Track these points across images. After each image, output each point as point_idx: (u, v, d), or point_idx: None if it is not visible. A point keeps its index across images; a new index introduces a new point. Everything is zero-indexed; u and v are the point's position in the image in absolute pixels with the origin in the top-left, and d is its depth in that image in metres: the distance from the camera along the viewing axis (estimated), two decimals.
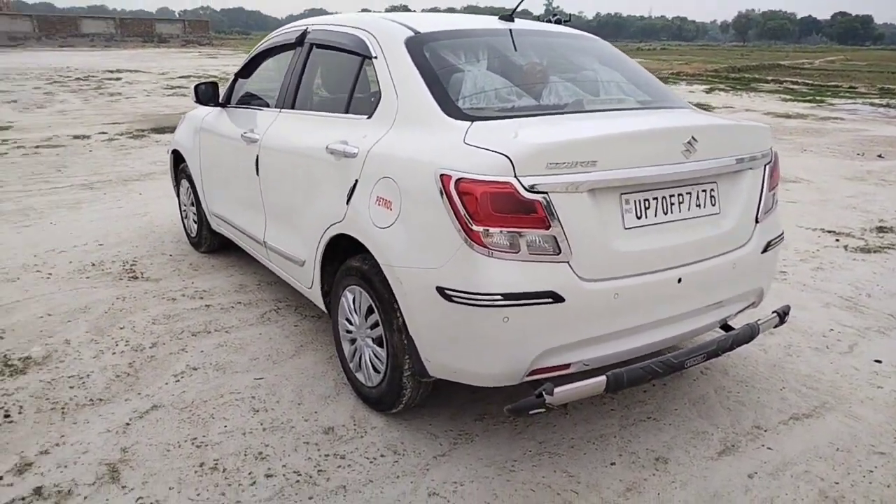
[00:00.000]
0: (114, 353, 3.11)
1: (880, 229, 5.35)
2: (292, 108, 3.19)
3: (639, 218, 2.24)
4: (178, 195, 4.75)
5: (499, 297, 2.03)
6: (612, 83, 2.88)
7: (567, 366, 2.21)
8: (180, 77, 19.74)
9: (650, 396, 2.80)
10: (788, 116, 13.02)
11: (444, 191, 2.08)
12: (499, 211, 2.02)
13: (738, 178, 2.51)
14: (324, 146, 2.68)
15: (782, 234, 2.74)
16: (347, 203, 2.51)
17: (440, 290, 2.12)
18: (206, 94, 3.85)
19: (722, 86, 19.97)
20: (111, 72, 21.39)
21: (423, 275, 2.17)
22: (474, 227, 2.03)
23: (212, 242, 4.39)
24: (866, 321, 3.56)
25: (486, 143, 2.09)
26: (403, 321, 2.31)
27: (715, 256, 2.43)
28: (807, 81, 22.46)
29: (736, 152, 2.46)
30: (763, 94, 17.94)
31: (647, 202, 2.26)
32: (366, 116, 2.62)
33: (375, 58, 2.66)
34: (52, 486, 2.19)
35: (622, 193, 2.20)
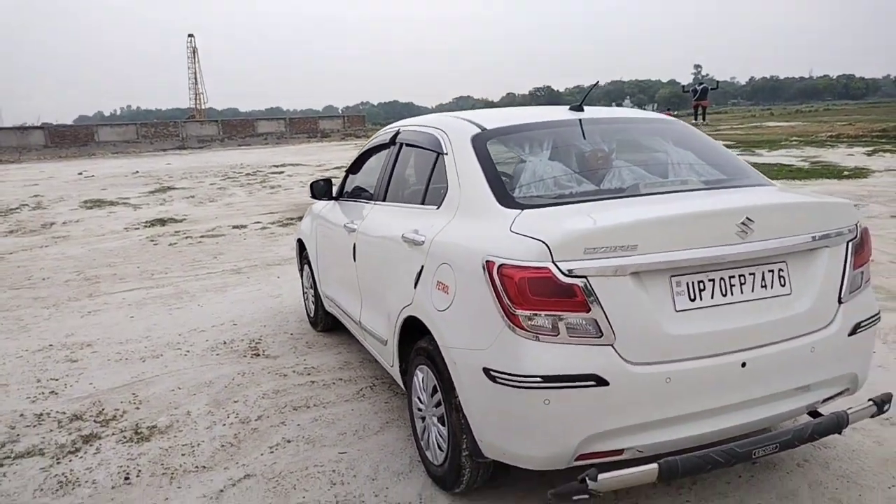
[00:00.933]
0: (224, 425, 3.46)
1: None
2: (384, 200, 3.50)
3: (692, 300, 2.19)
4: (302, 278, 5.24)
5: (538, 379, 2.07)
6: (682, 164, 2.87)
7: (620, 451, 2.16)
8: (334, 168, 21.63)
9: (733, 488, 2.60)
10: None
11: (489, 276, 2.19)
12: (537, 295, 2.08)
13: (814, 257, 2.37)
14: (400, 234, 2.92)
15: (877, 314, 2.50)
16: (415, 287, 2.69)
17: (486, 371, 2.19)
18: (321, 189, 4.32)
19: (889, 147, 18.20)
20: (276, 166, 23.95)
21: (473, 356, 2.27)
22: (515, 311, 2.11)
23: (326, 322, 4.76)
24: None
25: (528, 231, 2.20)
26: (460, 401, 2.40)
27: (787, 339, 2.28)
28: None
29: (809, 230, 2.34)
30: None
31: (701, 284, 2.21)
32: (435, 207, 2.83)
33: (446, 154, 2.89)
34: None
35: (672, 276, 2.17)
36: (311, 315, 4.96)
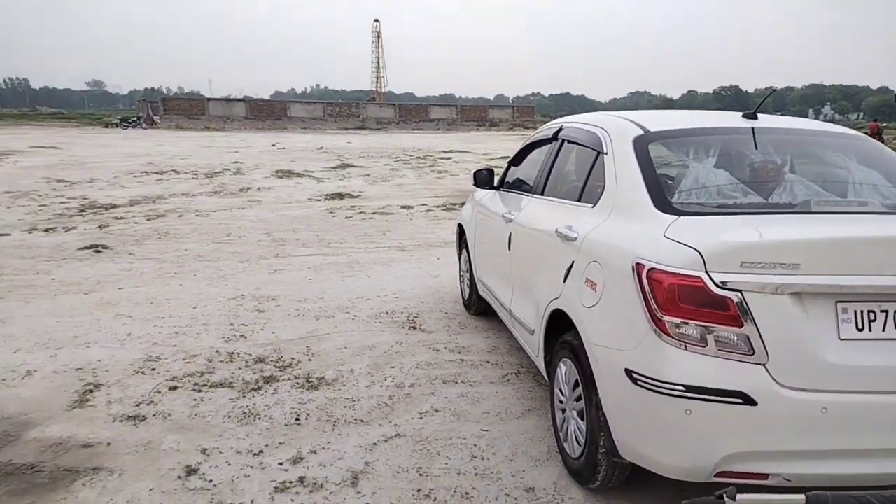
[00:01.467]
0: (381, 386, 3.81)
1: None
2: (542, 194, 3.63)
3: (860, 330, 2.10)
4: (459, 262, 5.52)
5: (681, 387, 2.10)
6: (865, 184, 2.69)
7: (765, 476, 2.14)
8: (499, 157, 22.00)
9: None
10: None
11: (637, 278, 2.25)
12: (687, 303, 2.11)
13: None
14: (554, 229, 3.03)
15: None
16: (564, 281, 2.80)
17: (628, 373, 2.26)
18: (483, 178, 4.54)
19: None
20: (445, 152, 24.85)
21: (615, 355, 2.34)
22: (662, 317, 2.16)
23: (479, 305, 5.00)
24: None
25: (683, 238, 2.22)
26: (600, 398, 2.48)
27: None
28: None
29: None
30: None
31: (872, 314, 2.10)
32: (591, 205, 2.91)
33: (606, 153, 2.94)
34: (311, 479, 2.85)
35: (838, 301, 2.09)
36: (466, 298, 5.23)
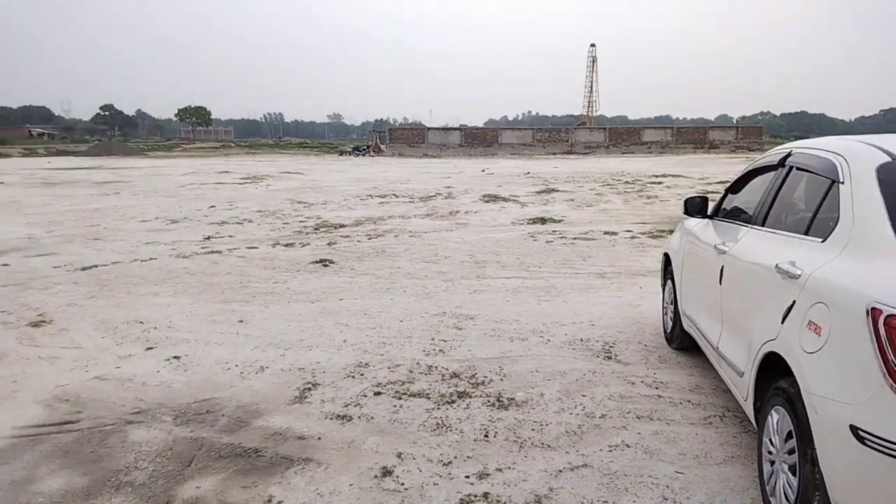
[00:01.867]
0: (570, 414, 3.76)
1: None
2: (762, 225, 3.32)
3: None
4: (664, 293, 5.25)
5: None
6: None
7: None
8: (717, 182, 20.54)
9: None
10: None
11: (872, 324, 1.97)
12: None
13: None
14: (774, 264, 2.76)
15: None
16: (782, 322, 2.54)
17: (854, 429, 1.98)
18: (695, 206, 4.28)
19: None
20: (656, 176, 23.82)
21: (839, 408, 2.07)
22: None
23: (682, 340, 4.70)
24: None
25: None
26: (817, 454, 2.20)
27: None
28: None
29: None
30: None
31: None
32: (820, 240, 2.60)
33: (842, 182, 2.62)
34: (495, 496, 2.89)
35: None
36: (668, 331, 4.95)
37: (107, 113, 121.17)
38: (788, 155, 3.36)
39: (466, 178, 23.50)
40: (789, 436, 2.44)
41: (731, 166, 30.49)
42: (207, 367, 4.60)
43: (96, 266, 8.22)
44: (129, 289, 7.01)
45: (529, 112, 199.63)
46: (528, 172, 26.67)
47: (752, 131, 56.80)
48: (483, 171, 27.94)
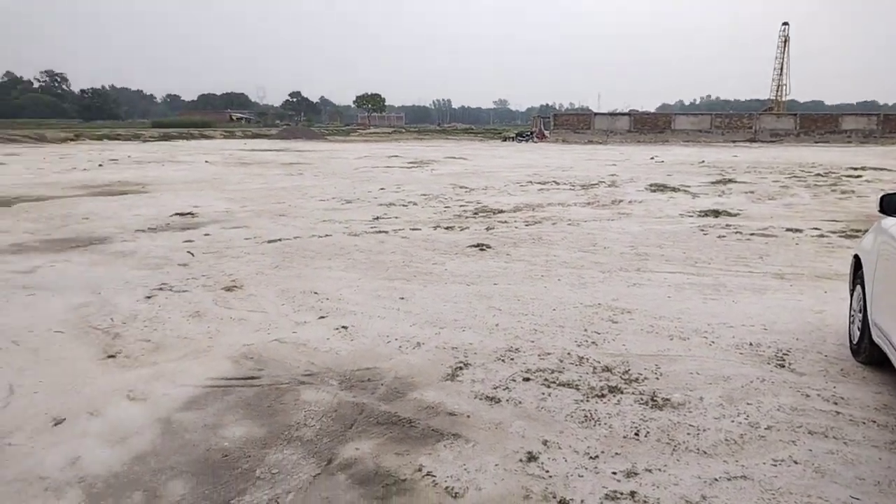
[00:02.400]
0: (731, 421, 3.53)
1: None
2: None
3: None
4: (851, 299, 4.71)
5: None
6: None
7: None
8: None
9: None
10: None
11: None
12: None
13: None
14: None
15: None
16: None
17: None
18: (892, 203, 3.78)
19: None
20: (854, 168, 21.25)
21: None
22: None
23: (871, 353, 4.20)
24: None
25: None
26: None
27: None
28: None
29: None
30: None
31: None
32: None
33: None
34: (643, 496, 2.82)
35: None
36: (854, 342, 4.44)
37: (294, 99, 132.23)
38: None
39: (633, 166, 22.59)
40: None
41: None
42: (370, 339, 4.92)
43: (280, 240, 9.06)
44: (307, 262, 7.65)
45: (708, 96, 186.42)
46: (703, 161, 25.01)
47: None
48: (652, 158, 26.66)
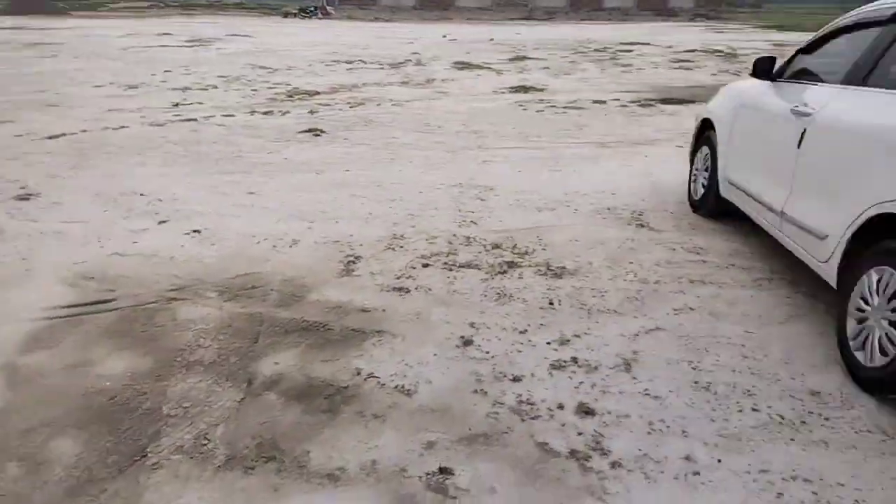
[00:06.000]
0: (624, 280, 3.80)
1: None
2: (861, 84, 3.17)
3: None
4: (692, 161, 5.22)
5: None
6: None
7: None
8: (686, 51, 20.20)
9: None
10: None
11: None
12: None
13: None
14: (892, 126, 2.70)
15: None
16: None
17: None
18: (762, 67, 4.10)
19: None
20: (624, 44, 23.22)
21: None
22: None
23: (713, 208, 4.73)
24: None
25: None
26: None
27: None
28: None
29: None
30: None
31: None
32: None
33: None
34: (584, 360, 2.95)
35: None
36: (697, 198, 4.97)
37: None
38: None
39: (429, 44, 22.37)
40: (894, 295, 2.51)
41: (695, 35, 29.99)
42: (235, 241, 4.41)
43: (64, 135, 7.60)
44: (113, 159, 6.55)
45: None
46: (493, 39, 25.55)
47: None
48: (444, 36, 26.60)
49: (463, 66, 15.50)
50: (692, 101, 9.88)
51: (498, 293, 3.64)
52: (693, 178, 5.12)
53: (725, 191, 4.43)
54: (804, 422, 2.50)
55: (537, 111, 9.61)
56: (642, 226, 4.74)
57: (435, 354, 3.01)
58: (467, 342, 3.11)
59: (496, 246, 4.32)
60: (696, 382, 2.77)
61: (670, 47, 21.98)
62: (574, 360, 2.95)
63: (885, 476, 2.22)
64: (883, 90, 3.02)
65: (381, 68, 14.82)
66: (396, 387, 2.77)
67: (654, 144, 7.48)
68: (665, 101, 10.37)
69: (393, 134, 7.88)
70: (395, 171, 6.18)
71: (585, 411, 2.57)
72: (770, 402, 2.63)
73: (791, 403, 2.62)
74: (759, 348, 3.05)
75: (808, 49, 3.94)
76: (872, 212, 2.65)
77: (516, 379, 2.81)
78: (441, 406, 2.63)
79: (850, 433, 2.44)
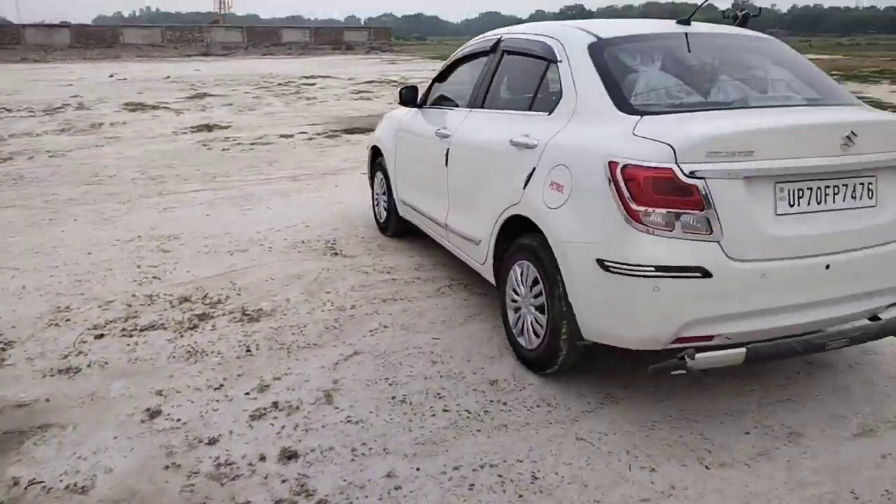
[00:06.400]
0: (322, 311, 3.83)
1: None
2: (482, 107, 3.68)
3: (791, 206, 2.44)
4: (372, 186, 5.51)
5: (651, 268, 2.36)
6: (781, 81, 3.04)
7: (710, 337, 2.47)
8: (365, 82, 21.49)
9: (792, 382, 2.94)
10: None
11: (611, 176, 2.44)
12: (659, 193, 2.34)
13: None
14: (507, 139, 3.14)
15: None
16: (524, 188, 2.95)
17: (600, 262, 2.48)
18: (408, 96, 4.50)
19: None
20: (306, 77, 23.79)
21: (586, 248, 2.55)
22: (634, 207, 2.37)
23: (397, 228, 5.06)
24: None
25: (652, 134, 2.43)
26: (564, 290, 2.70)
27: (868, 247, 2.54)
28: None
29: None
30: None
31: (800, 191, 2.45)
32: (546, 113, 3.04)
33: (560, 61, 3.06)
34: (285, 402, 2.88)
35: (777, 182, 2.41)
36: (382, 221, 5.26)
37: None
38: (499, 41, 3.74)
39: (94, 85, 20.16)
40: (535, 282, 2.93)
41: (372, 66, 32.06)
42: None
43: None
44: None
45: (148, 8, 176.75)
46: (168, 76, 24.07)
47: (383, 32, 59.93)
48: (112, 76, 24.25)
49: (136, 107, 14.31)
50: (372, 130, 10.48)
51: (188, 352, 3.37)
52: (375, 202, 5.41)
53: (403, 211, 4.77)
54: (487, 411, 2.78)
55: (223, 150, 9.29)
56: (336, 254, 4.85)
57: (115, 437, 2.66)
58: (154, 414, 2.81)
59: (184, 299, 4.02)
60: (393, 398, 2.89)
61: (351, 79, 23.18)
62: (275, 404, 2.86)
63: (552, 443, 2.56)
64: (496, 110, 3.55)
65: (33, 115, 12.91)
66: (68, 487, 2.38)
67: (343, 173, 7.76)
68: (349, 132, 10.85)
69: (53, 190, 6.88)
70: (58, 233, 5.39)
71: (289, 456, 2.50)
72: (458, 399, 2.87)
73: (475, 397, 2.89)
74: (446, 351, 3.31)
75: (441, 78, 4.46)
76: (506, 215, 3.08)
77: (213, 441, 2.62)
78: (125, 495, 2.32)
79: (524, 411, 2.78)
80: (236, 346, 3.41)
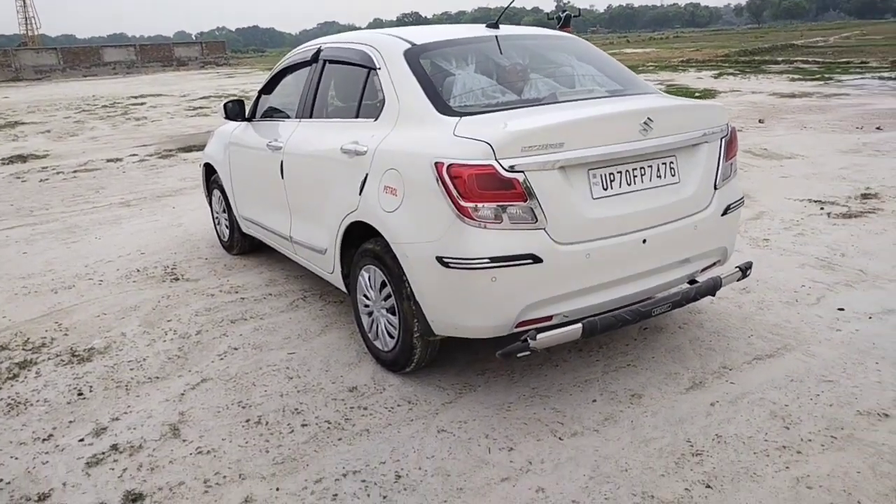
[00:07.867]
0: (164, 341, 3.57)
1: (864, 196, 5.64)
2: (310, 117, 3.62)
3: (605, 189, 2.62)
4: (210, 204, 5.23)
5: (486, 260, 2.43)
6: (586, 76, 3.26)
7: (550, 317, 2.60)
8: (201, 98, 20.45)
9: (631, 348, 3.17)
10: (793, 96, 13.18)
11: (438, 176, 2.48)
12: (484, 189, 2.42)
13: (696, 151, 2.87)
14: (338, 147, 3.10)
15: (741, 198, 3.09)
16: (360, 194, 2.93)
17: (439, 259, 2.52)
18: (234, 110, 4.31)
19: (731, 70, 20.10)
20: (135, 97, 22.21)
21: (425, 247, 2.58)
22: (463, 204, 2.44)
23: (243, 245, 4.84)
24: (836, 276, 3.89)
25: (471, 134, 2.50)
26: (411, 290, 2.72)
27: (677, 220, 2.79)
28: (818, 60, 22.46)
29: (691, 129, 2.83)
30: (772, 75, 18.04)
31: (611, 175, 2.64)
32: (373, 119, 3.04)
33: (379, 69, 3.07)
34: (126, 443, 2.64)
35: (589, 169, 2.58)
36: (226, 239, 5.01)
37: None
38: (319, 51, 3.69)
39: None
40: (383, 285, 2.92)
41: (208, 81, 30.57)
42: None
43: None
44: None
45: None
46: None
47: (217, 46, 57.31)
48: None
49: None
50: None
51: (9, 405, 3.00)
52: (216, 221, 5.15)
53: (245, 227, 4.57)
54: (348, 419, 2.72)
55: (41, 180, 8.42)
56: (177, 279, 4.54)
57: None
58: None
59: (3, 348, 3.58)
60: (247, 421, 2.75)
61: (185, 96, 21.97)
62: (114, 447, 2.61)
63: (415, 439, 2.56)
64: (324, 119, 3.52)
65: None
66: None
67: (181, 194, 7.31)
68: (185, 150, 10.25)
69: None
70: None
71: (133, 499, 2.29)
72: (317, 412, 2.79)
73: (335, 406, 2.82)
74: (303, 365, 3.21)
75: (267, 89, 4.33)
76: (347, 222, 3.04)
77: (43, 497, 2.34)
78: None
79: (386, 413, 2.76)
80: (66, 391, 3.09)
